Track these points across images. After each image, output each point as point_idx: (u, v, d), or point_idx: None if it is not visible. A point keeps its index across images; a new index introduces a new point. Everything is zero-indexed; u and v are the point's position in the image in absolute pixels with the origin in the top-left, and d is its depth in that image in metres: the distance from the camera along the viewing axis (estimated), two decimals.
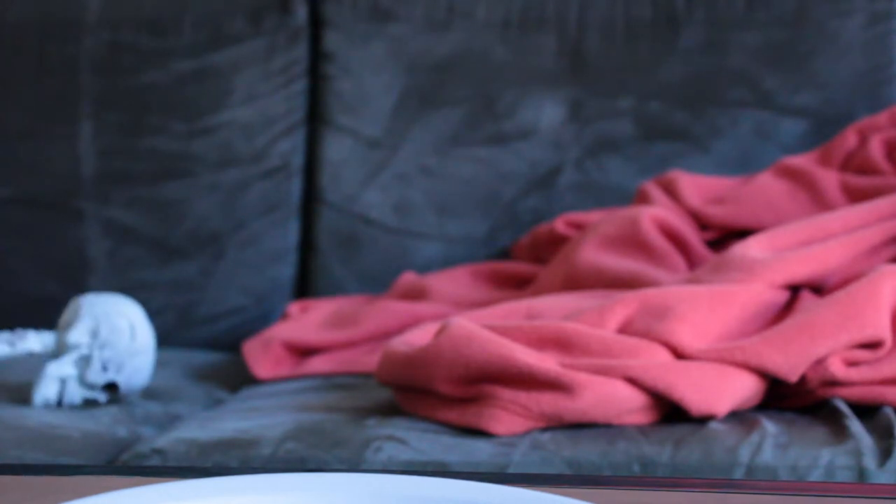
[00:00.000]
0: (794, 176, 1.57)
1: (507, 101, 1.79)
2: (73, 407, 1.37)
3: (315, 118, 1.84)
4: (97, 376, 1.36)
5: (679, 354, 1.23)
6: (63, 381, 1.36)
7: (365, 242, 1.80)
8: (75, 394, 1.36)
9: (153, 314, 1.68)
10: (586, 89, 1.78)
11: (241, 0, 1.85)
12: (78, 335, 1.36)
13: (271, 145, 1.83)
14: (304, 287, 1.82)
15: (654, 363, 1.20)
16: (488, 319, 1.32)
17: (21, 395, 1.40)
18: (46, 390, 1.36)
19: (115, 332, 1.36)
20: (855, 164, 1.58)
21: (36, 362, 1.55)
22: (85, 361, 1.36)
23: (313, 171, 1.83)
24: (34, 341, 1.36)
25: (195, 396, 1.49)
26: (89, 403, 1.38)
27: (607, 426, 1.20)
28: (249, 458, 1.19)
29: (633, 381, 1.19)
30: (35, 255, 1.84)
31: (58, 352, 1.38)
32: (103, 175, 1.83)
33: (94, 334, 1.36)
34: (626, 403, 1.19)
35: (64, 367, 1.36)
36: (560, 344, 1.23)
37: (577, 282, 1.50)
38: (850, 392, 1.22)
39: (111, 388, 1.38)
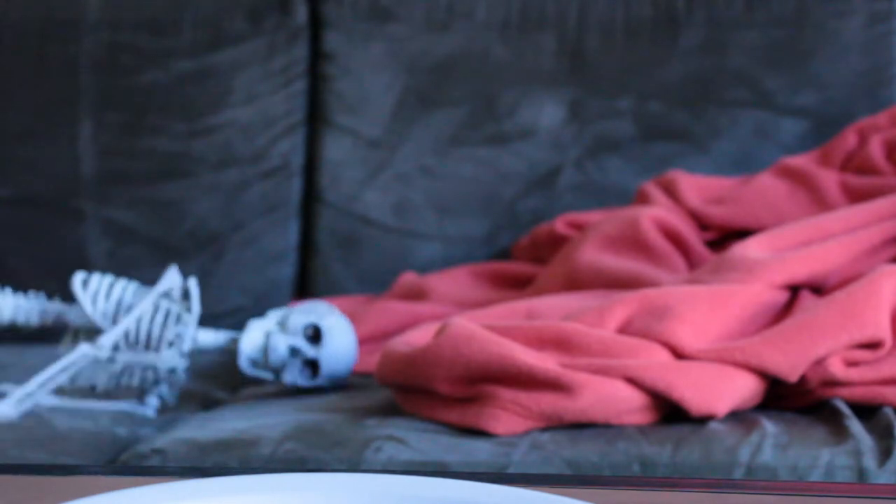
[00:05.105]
0: (794, 176, 1.57)
1: (507, 101, 1.79)
2: (277, 366, 1.36)
3: (315, 118, 1.84)
4: (298, 319, 1.36)
5: (679, 354, 1.23)
6: (267, 335, 1.36)
7: (365, 242, 1.80)
8: (280, 343, 1.35)
9: None
10: (586, 89, 1.78)
11: (241, 0, 1.85)
12: (273, 314, 1.39)
13: (271, 145, 1.83)
14: (304, 287, 1.83)
15: (653, 363, 1.20)
16: (488, 319, 1.32)
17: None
18: (253, 338, 1.36)
19: (311, 304, 1.39)
20: (855, 164, 1.58)
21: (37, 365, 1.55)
22: (284, 320, 1.37)
23: (313, 171, 1.83)
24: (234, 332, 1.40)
25: (195, 396, 1.49)
26: (299, 360, 1.37)
27: (607, 426, 1.20)
28: (249, 458, 1.19)
29: (632, 381, 1.19)
30: (35, 255, 1.84)
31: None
32: (103, 175, 1.83)
33: (288, 313, 1.38)
34: (625, 403, 1.19)
35: (266, 324, 1.37)
36: (560, 344, 1.23)
37: (577, 282, 1.50)
38: (850, 392, 1.22)
39: (314, 339, 1.37)
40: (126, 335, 1.32)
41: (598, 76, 1.79)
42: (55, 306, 1.36)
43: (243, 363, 1.37)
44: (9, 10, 1.87)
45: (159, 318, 1.34)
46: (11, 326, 1.39)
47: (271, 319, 1.38)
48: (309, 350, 1.37)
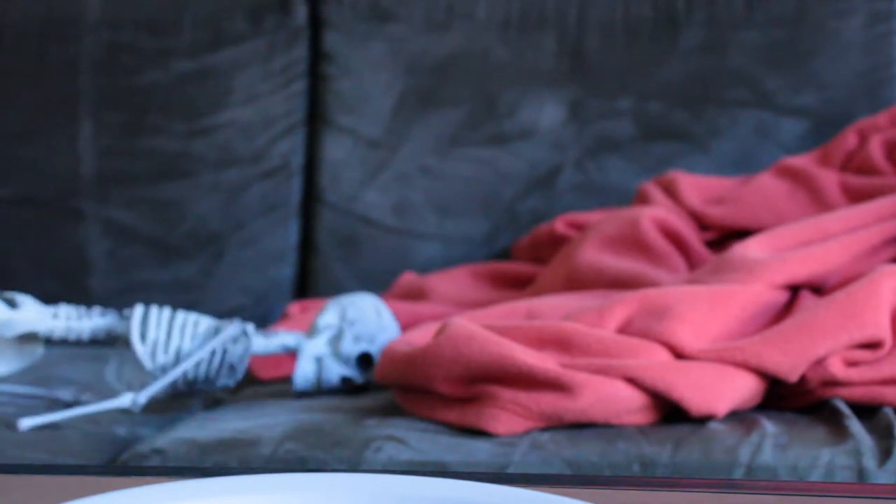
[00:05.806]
0: (794, 176, 1.57)
1: (507, 101, 1.79)
2: (332, 390, 1.37)
3: (315, 118, 1.84)
4: (350, 347, 1.37)
5: (679, 354, 1.23)
6: (319, 361, 1.37)
7: (365, 242, 1.80)
8: (332, 371, 1.37)
9: None
10: (586, 89, 1.78)
11: (241, 0, 1.85)
12: (327, 318, 1.39)
13: (271, 145, 1.83)
14: (304, 287, 1.83)
15: (653, 363, 1.20)
16: (488, 319, 1.32)
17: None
18: (305, 370, 1.37)
19: (362, 312, 1.39)
20: (855, 164, 1.58)
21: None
22: (337, 340, 1.38)
23: (313, 171, 1.83)
24: (288, 336, 1.40)
25: (195, 396, 1.49)
26: (347, 386, 1.37)
27: (607, 426, 1.20)
28: (249, 458, 1.19)
29: (632, 381, 1.19)
30: (35, 255, 1.84)
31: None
32: (103, 175, 1.83)
33: (343, 316, 1.39)
34: (625, 403, 1.19)
35: (318, 346, 1.37)
36: (560, 344, 1.23)
37: (578, 282, 1.50)
38: (850, 392, 1.22)
39: (365, 363, 1.38)
40: (184, 375, 1.35)
41: (598, 76, 1.79)
42: (105, 321, 1.37)
43: (296, 390, 1.39)
44: (9, 10, 1.87)
45: (216, 360, 1.36)
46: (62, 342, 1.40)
47: (322, 338, 1.38)
48: (360, 377, 1.38)
